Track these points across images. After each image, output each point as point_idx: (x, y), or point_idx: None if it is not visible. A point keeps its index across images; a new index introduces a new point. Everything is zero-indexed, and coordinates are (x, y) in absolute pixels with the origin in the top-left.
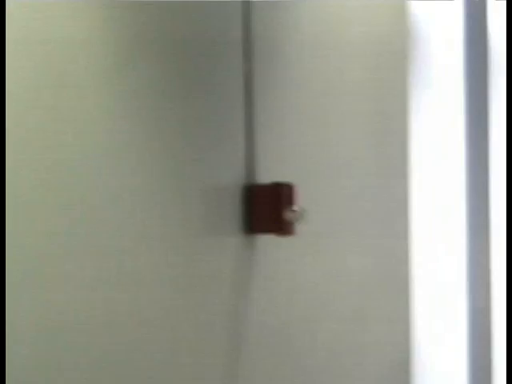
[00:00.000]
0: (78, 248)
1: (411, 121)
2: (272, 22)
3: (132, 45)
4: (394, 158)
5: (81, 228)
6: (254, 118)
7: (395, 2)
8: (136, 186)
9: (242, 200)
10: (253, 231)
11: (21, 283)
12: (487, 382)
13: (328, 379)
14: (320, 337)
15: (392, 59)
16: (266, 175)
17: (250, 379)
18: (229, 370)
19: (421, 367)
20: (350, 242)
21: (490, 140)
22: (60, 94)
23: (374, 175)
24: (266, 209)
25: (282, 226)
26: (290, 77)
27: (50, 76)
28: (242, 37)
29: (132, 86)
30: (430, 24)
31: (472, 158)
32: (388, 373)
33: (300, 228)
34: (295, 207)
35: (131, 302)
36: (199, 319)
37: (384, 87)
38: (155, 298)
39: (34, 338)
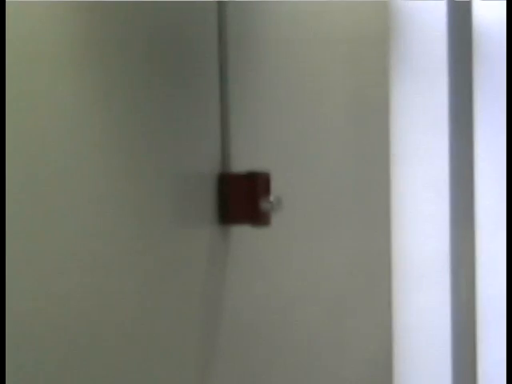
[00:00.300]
0: (41, 236)
1: (393, 109)
2: (248, 9)
3: (105, 38)
4: (375, 146)
5: (44, 215)
6: (228, 104)
7: None
8: (105, 173)
9: (216, 189)
10: (227, 221)
11: None
12: (471, 374)
13: (307, 371)
14: (298, 329)
15: (373, 46)
16: (241, 164)
17: (224, 373)
18: (202, 363)
19: (402, 359)
20: (329, 233)
21: (475, 129)
22: (31, 81)
23: (354, 164)
24: (241, 198)
25: (257, 216)
26: (266, 64)
27: (21, 71)
28: (217, 25)
29: (103, 74)
30: (412, 11)
31: (456, 147)
32: (369, 364)
33: (276, 218)
34: (271, 197)
35: (99, 292)
36: (171, 313)
37: (364, 75)
38: (124, 290)
39: None
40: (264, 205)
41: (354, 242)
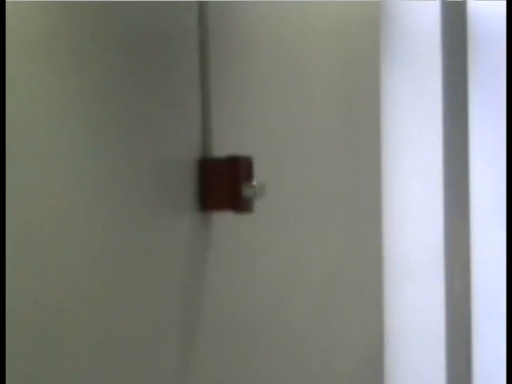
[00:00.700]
0: (23, 226)
1: (384, 98)
2: None
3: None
4: (365, 135)
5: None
6: (209, 88)
7: None
8: (83, 158)
9: (197, 174)
10: (208, 208)
11: None
12: (466, 371)
13: (292, 367)
14: (283, 323)
15: (364, 34)
16: (223, 148)
17: (204, 369)
18: (181, 358)
19: (394, 356)
20: (316, 223)
21: (469, 119)
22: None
23: (343, 153)
24: (223, 184)
25: (239, 203)
26: (249, 46)
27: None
28: (198, 11)
29: (80, 61)
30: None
31: (450, 137)
32: (359, 362)
33: (259, 205)
34: (254, 182)
35: (76, 280)
36: (149, 303)
37: (354, 62)
38: (101, 279)
39: None
40: (246, 191)
41: (342, 234)
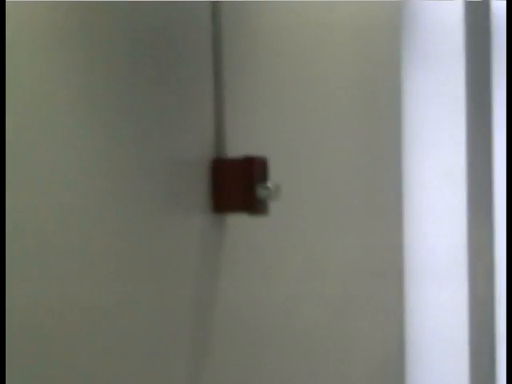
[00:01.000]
0: (27, 226)
1: (407, 96)
2: None
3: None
4: (386, 134)
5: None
6: (223, 86)
7: None
8: (93, 158)
9: (210, 175)
10: (221, 210)
11: None
12: (490, 376)
13: (309, 374)
14: (300, 328)
15: (384, 31)
16: (237, 148)
17: (217, 373)
18: (193, 362)
19: (416, 361)
20: (334, 224)
21: (493, 117)
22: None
23: (363, 152)
24: (237, 185)
25: (253, 204)
26: (264, 45)
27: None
28: (211, 12)
29: (90, 62)
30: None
31: (473, 135)
32: (379, 368)
33: (274, 206)
34: (269, 183)
35: (85, 284)
36: (160, 308)
37: (374, 59)
38: (111, 282)
39: None
40: (261, 192)
41: (362, 235)
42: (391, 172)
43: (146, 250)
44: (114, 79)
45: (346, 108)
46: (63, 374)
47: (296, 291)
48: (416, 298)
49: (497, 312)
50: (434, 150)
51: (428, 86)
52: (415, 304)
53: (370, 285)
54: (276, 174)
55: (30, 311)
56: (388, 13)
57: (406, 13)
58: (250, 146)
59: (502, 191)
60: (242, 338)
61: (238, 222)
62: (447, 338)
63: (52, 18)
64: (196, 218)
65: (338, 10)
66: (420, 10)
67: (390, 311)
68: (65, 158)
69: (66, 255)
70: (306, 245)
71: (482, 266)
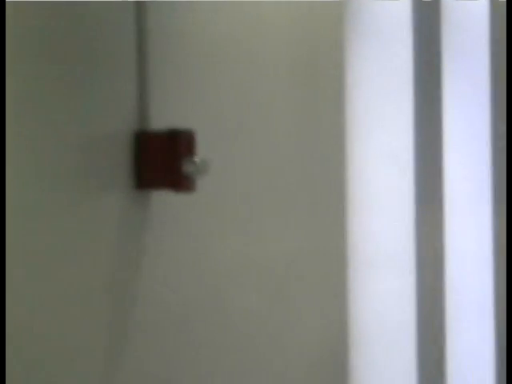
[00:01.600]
0: None
1: (350, 74)
2: None
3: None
4: (327, 113)
5: None
6: (147, 55)
7: None
8: (7, 131)
9: (132, 149)
10: (145, 186)
11: None
12: (438, 368)
13: (243, 363)
14: (232, 314)
15: (327, 11)
16: (162, 120)
17: (139, 363)
18: (113, 347)
19: (360, 352)
20: (269, 205)
21: (443, 96)
22: None
23: (301, 131)
24: (161, 160)
25: (179, 181)
26: (197, 15)
27: None
28: None
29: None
30: None
31: (421, 118)
32: (319, 359)
33: (202, 183)
34: (196, 158)
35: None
36: (79, 290)
37: (314, 36)
38: (24, 264)
39: None
40: (187, 167)
41: (300, 219)
42: (333, 153)
43: (62, 229)
44: (28, 49)
45: (284, 85)
46: None
47: (226, 274)
48: (361, 288)
49: (446, 301)
50: (378, 132)
51: (373, 67)
52: (360, 293)
53: (308, 274)
54: (204, 149)
55: None
56: None
57: None
58: (177, 118)
59: (451, 176)
60: (167, 323)
61: (163, 199)
62: (394, 327)
63: None
64: (117, 194)
65: None
66: None
67: (331, 301)
68: None
69: None
70: (237, 224)
71: (430, 253)
